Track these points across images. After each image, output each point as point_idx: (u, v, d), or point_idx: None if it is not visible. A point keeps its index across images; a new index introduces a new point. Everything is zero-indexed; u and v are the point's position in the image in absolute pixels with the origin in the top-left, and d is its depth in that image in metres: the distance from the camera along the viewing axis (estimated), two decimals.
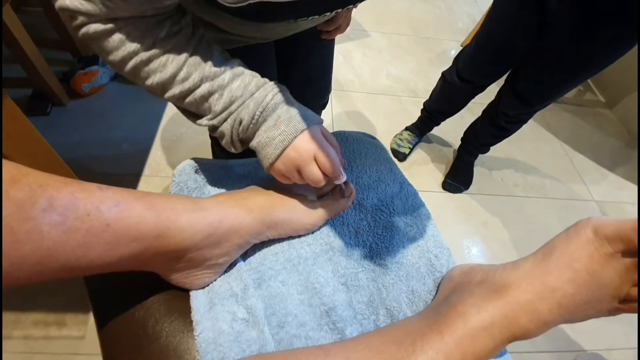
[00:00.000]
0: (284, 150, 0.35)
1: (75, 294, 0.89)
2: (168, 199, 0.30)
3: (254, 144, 0.37)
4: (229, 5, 0.32)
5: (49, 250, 0.22)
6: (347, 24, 0.66)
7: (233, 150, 0.39)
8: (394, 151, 1.38)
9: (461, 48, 1.16)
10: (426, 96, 1.26)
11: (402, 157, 1.37)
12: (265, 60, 0.57)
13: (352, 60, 1.73)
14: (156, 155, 1.22)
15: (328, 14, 0.38)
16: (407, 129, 1.42)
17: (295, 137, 0.35)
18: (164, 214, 0.29)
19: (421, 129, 1.40)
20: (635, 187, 1.51)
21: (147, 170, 1.18)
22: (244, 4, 0.31)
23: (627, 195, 1.48)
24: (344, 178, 0.37)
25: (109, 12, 0.31)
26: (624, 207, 1.43)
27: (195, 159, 0.44)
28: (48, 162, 0.86)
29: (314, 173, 0.35)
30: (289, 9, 0.33)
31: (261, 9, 0.32)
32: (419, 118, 1.40)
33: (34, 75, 1.14)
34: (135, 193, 0.28)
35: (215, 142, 0.80)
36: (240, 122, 0.36)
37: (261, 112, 0.35)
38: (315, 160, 0.35)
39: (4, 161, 0.22)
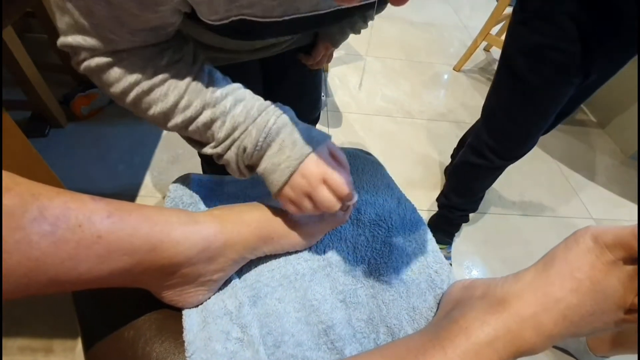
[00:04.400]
0: (290, 176, 0.34)
1: (63, 319, 0.86)
2: (162, 211, 0.30)
3: (260, 170, 0.36)
4: (211, 22, 0.32)
5: (37, 262, 0.21)
6: (330, 59, 0.69)
7: (241, 177, 0.38)
8: None
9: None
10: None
11: None
12: (250, 79, 0.57)
13: (348, 83, 1.77)
14: (152, 177, 1.22)
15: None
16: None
17: (301, 162, 0.34)
18: (157, 226, 0.28)
19: (449, 232, 1.17)
20: (632, 205, 1.51)
21: (142, 191, 1.17)
22: (226, 21, 0.32)
23: (625, 212, 1.48)
24: (356, 197, 0.36)
25: (112, 45, 0.31)
26: (622, 225, 1.43)
27: (192, 175, 0.44)
28: (44, 180, 0.85)
29: (326, 197, 0.33)
30: (269, 28, 0.34)
31: (242, 27, 0.33)
32: (442, 217, 1.15)
33: (34, 98, 1.15)
34: (128, 205, 0.28)
35: (205, 162, 0.79)
36: (245, 150, 0.35)
37: (264, 138, 0.34)
38: (325, 183, 0.34)
39: None
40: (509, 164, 0.96)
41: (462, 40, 2.26)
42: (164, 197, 1.16)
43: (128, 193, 1.16)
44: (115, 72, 0.32)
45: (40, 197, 0.22)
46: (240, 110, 0.35)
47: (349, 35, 0.65)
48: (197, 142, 0.38)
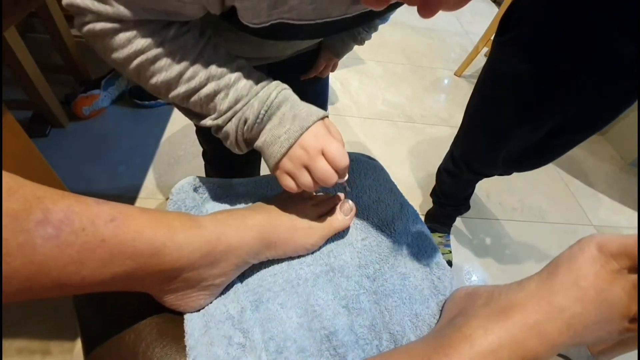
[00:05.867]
0: (290, 147, 0.35)
1: (62, 321, 0.85)
2: (166, 215, 0.30)
3: (259, 143, 0.36)
4: (253, 26, 0.33)
5: (40, 265, 0.21)
6: (334, 68, 0.70)
7: (237, 151, 0.39)
8: None
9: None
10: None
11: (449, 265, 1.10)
12: None
13: (349, 86, 1.78)
14: (152, 178, 1.22)
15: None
16: (432, 230, 1.20)
17: (300, 134, 0.35)
18: (160, 230, 0.28)
19: (445, 222, 1.21)
20: (632, 212, 1.52)
21: (143, 193, 1.17)
22: (266, 24, 0.33)
23: (624, 219, 1.48)
24: (346, 176, 0.37)
25: (122, 15, 0.31)
26: (622, 231, 1.43)
27: (194, 177, 0.44)
28: (45, 180, 0.85)
29: (324, 168, 0.34)
30: (302, 30, 0.35)
31: (279, 28, 0.34)
32: (437, 210, 1.20)
33: (35, 98, 1.15)
34: (132, 209, 0.28)
35: (209, 164, 0.79)
36: (245, 122, 0.35)
37: (266, 111, 0.35)
38: (324, 154, 0.35)
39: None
40: (481, 179, 0.98)
41: (463, 45, 2.28)
42: (166, 199, 1.16)
43: (128, 194, 1.15)
44: (120, 38, 0.32)
45: (45, 200, 0.22)
46: (244, 84, 0.35)
47: (352, 47, 0.66)
48: (195, 114, 0.38)
